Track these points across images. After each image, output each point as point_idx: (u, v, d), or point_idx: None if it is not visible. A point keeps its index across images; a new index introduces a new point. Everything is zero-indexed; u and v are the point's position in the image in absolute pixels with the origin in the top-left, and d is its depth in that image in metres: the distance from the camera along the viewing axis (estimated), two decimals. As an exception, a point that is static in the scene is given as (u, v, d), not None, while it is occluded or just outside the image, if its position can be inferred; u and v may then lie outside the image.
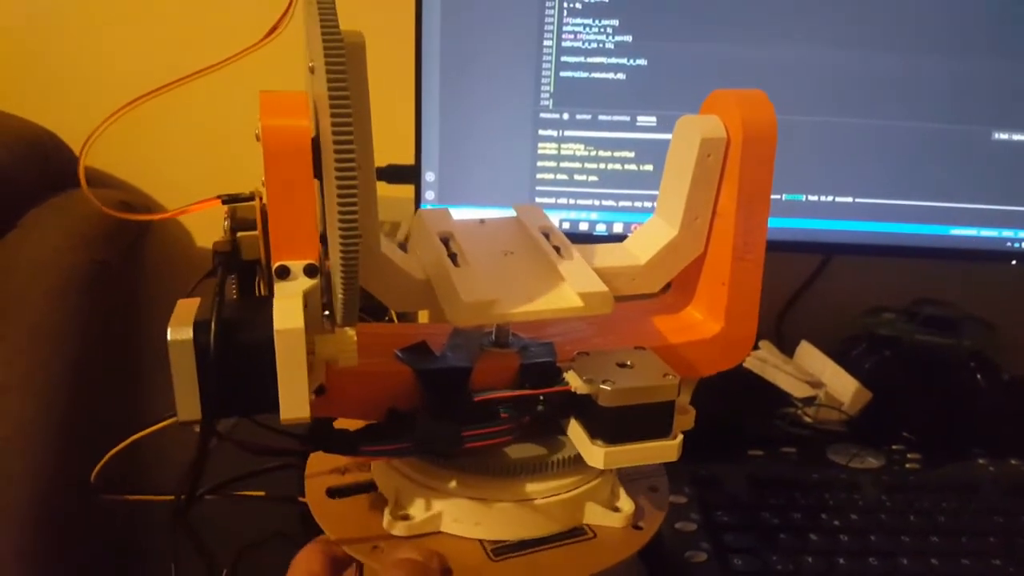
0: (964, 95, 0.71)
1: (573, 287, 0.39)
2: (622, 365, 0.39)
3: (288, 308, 0.33)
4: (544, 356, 0.40)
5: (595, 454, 0.37)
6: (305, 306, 0.34)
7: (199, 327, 0.33)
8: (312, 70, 0.36)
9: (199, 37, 0.90)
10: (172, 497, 0.54)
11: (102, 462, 0.45)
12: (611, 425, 0.37)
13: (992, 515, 0.60)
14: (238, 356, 0.33)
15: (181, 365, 0.33)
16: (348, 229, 0.32)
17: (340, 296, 0.34)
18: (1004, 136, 0.72)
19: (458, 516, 0.39)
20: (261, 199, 0.37)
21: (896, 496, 0.62)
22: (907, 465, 0.67)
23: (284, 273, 0.35)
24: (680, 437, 0.38)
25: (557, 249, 0.42)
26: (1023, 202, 0.74)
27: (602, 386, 0.36)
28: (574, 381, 0.38)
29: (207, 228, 0.96)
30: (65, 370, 0.78)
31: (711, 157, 0.42)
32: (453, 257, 0.40)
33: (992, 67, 0.70)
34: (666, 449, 0.38)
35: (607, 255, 0.44)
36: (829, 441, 0.70)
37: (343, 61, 0.31)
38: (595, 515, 0.40)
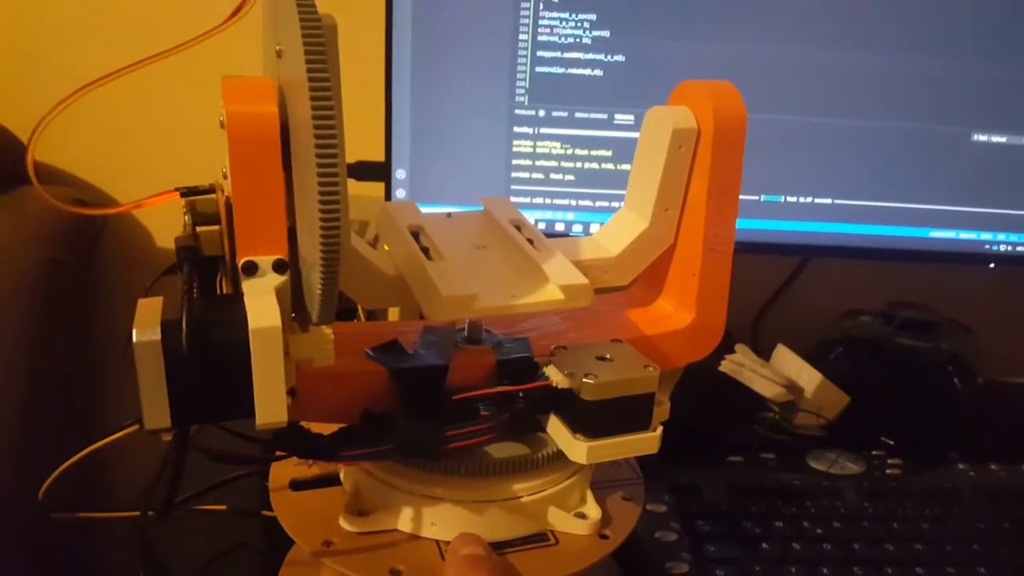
0: (944, 96, 0.71)
1: (553, 280, 0.38)
2: (601, 358, 0.38)
3: (263, 305, 0.31)
4: (520, 352, 0.40)
5: (578, 449, 0.36)
6: None
7: (168, 327, 0.31)
8: (279, 54, 0.34)
9: (155, 23, 0.86)
10: (136, 513, 0.51)
11: (51, 478, 0.42)
12: (593, 419, 0.36)
13: (975, 522, 0.59)
14: (211, 358, 0.31)
15: (148, 369, 0.31)
16: (329, 221, 0.30)
17: (318, 292, 0.32)
18: (984, 138, 0.72)
19: (414, 515, 0.38)
20: (222, 191, 0.35)
21: (878, 503, 0.61)
22: (888, 471, 0.66)
23: (252, 269, 0.33)
24: (660, 429, 0.38)
25: (531, 242, 0.41)
26: (1002, 204, 0.73)
27: (584, 380, 0.36)
28: (555, 376, 0.37)
29: (166, 226, 0.92)
30: (16, 376, 0.74)
31: (682, 148, 0.42)
32: (425, 251, 0.39)
33: (972, 68, 0.70)
34: (647, 441, 0.37)
35: (578, 248, 0.43)
36: (808, 447, 0.69)
37: (322, 43, 0.29)
38: (560, 521, 0.39)
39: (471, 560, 0.36)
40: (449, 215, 0.44)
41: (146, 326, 0.31)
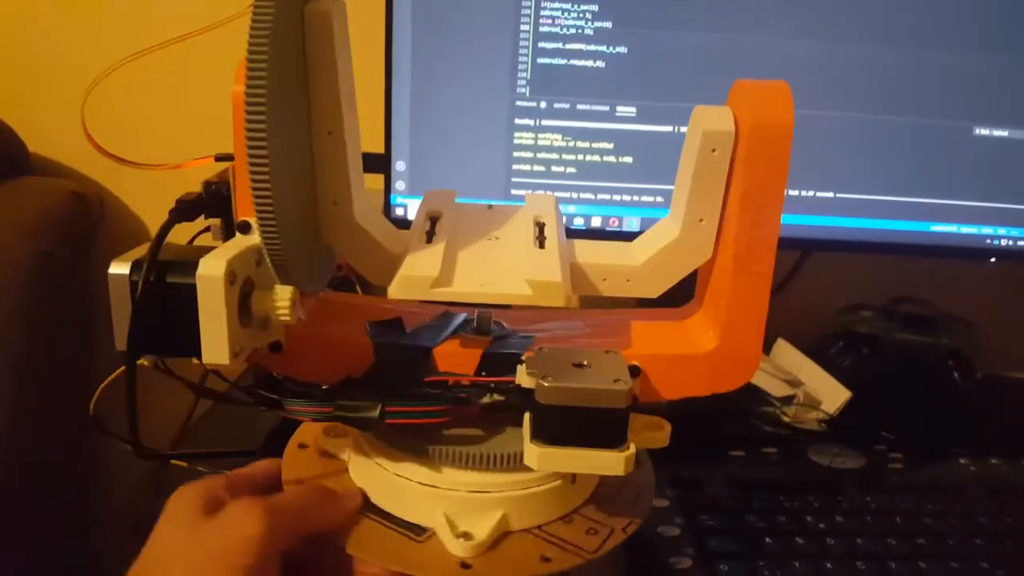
0: (946, 90, 0.70)
1: (527, 275, 0.36)
2: (578, 365, 0.36)
3: (215, 256, 0.35)
4: (514, 348, 0.39)
5: (529, 452, 0.35)
6: (258, 263, 0.36)
7: (136, 264, 0.38)
8: None
9: (148, 19, 0.85)
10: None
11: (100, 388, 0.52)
12: (551, 425, 0.35)
13: (977, 516, 0.59)
14: (166, 296, 0.37)
15: (118, 299, 0.38)
16: (260, 191, 0.33)
17: (266, 253, 0.35)
18: (986, 132, 0.71)
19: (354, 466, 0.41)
20: None
21: (880, 497, 0.61)
22: (889, 466, 0.66)
23: (245, 228, 0.37)
24: (631, 450, 0.35)
25: (541, 240, 0.41)
26: (1004, 199, 0.73)
27: (540, 381, 0.35)
28: (520, 374, 0.37)
29: (162, 218, 0.91)
30: (7, 370, 0.74)
31: (716, 152, 0.38)
32: (430, 235, 0.40)
33: (975, 62, 0.70)
34: (609, 460, 0.35)
35: (603, 252, 0.41)
36: (809, 441, 0.69)
37: (270, 14, 0.32)
38: (441, 531, 0.38)
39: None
40: (491, 207, 0.45)
41: (122, 261, 0.38)
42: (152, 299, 0.37)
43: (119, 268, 0.37)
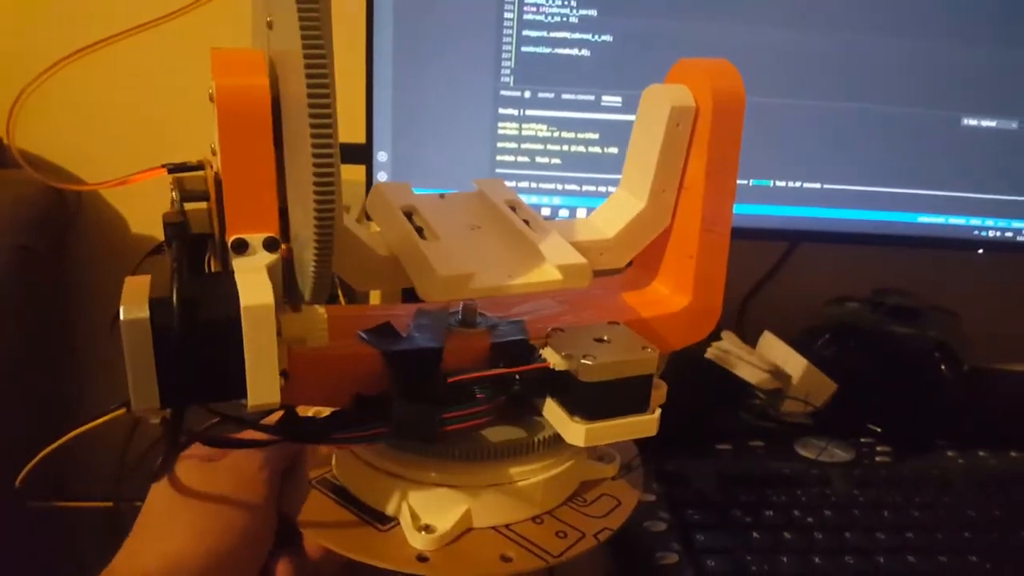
0: (934, 80, 0.70)
1: (551, 260, 0.37)
2: (600, 340, 0.37)
3: (255, 282, 0.30)
4: (515, 334, 0.39)
5: (575, 431, 0.36)
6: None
7: (157, 305, 0.30)
8: (270, 25, 0.33)
9: (84, 17, 0.83)
10: (110, 503, 0.50)
11: (30, 465, 0.40)
12: (591, 401, 0.36)
13: (965, 509, 0.59)
14: (201, 336, 0.30)
15: (136, 348, 0.30)
16: (324, 197, 0.28)
17: (312, 271, 0.31)
18: (973, 122, 0.71)
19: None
20: (211, 167, 0.34)
21: (868, 491, 0.60)
22: (877, 458, 0.65)
23: (242, 247, 0.32)
24: (658, 412, 0.37)
25: (526, 222, 0.40)
26: (992, 189, 0.73)
27: (583, 361, 0.35)
28: (552, 358, 0.37)
29: (141, 211, 0.90)
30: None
31: (680, 127, 0.41)
32: (419, 231, 0.38)
33: (962, 52, 0.69)
34: (645, 424, 0.37)
35: (574, 229, 0.42)
36: (796, 434, 0.68)
37: (317, 13, 0.28)
38: (404, 522, 0.38)
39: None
40: (442, 196, 0.43)
41: (134, 304, 0.30)
42: (187, 341, 0.30)
43: (134, 312, 0.30)
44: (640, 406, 0.37)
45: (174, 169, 0.35)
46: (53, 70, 0.37)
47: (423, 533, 0.36)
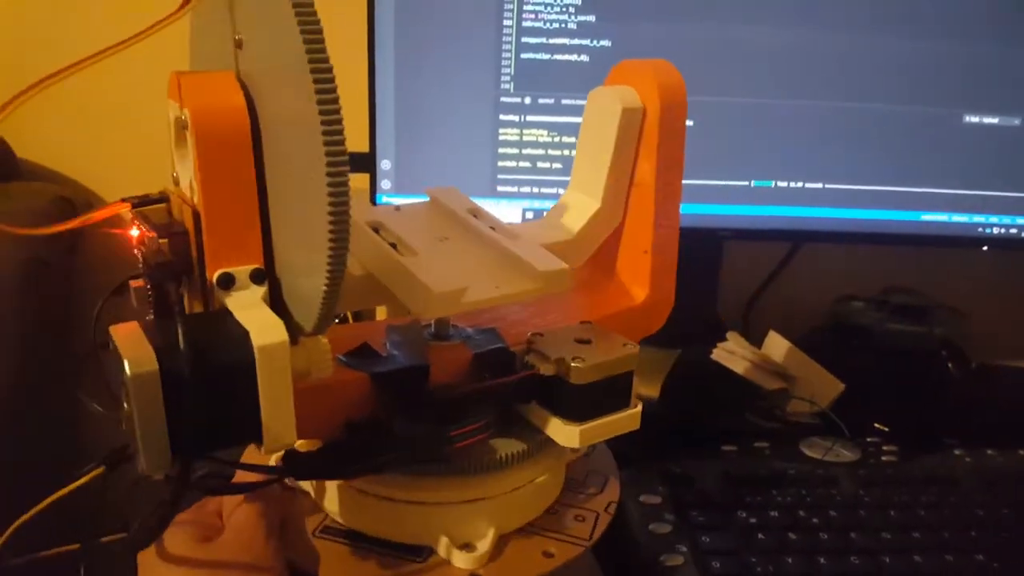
0: (935, 78, 0.70)
1: (533, 267, 0.37)
2: (581, 341, 0.38)
3: (263, 320, 0.29)
4: (493, 343, 0.39)
5: (568, 434, 0.36)
6: None
7: (164, 354, 0.27)
8: (239, 44, 0.32)
9: (129, 11, 0.84)
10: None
11: (7, 533, 0.38)
12: (582, 402, 0.36)
13: (972, 508, 0.59)
14: (215, 383, 0.28)
15: (146, 402, 0.27)
16: (339, 220, 0.27)
17: (320, 299, 0.29)
18: (975, 119, 0.71)
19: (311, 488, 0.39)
20: (176, 197, 0.33)
21: (874, 490, 0.60)
22: (883, 458, 0.65)
23: (228, 282, 0.30)
24: (640, 405, 0.38)
25: (492, 229, 0.41)
26: (995, 187, 0.73)
27: (573, 364, 0.36)
28: (540, 363, 0.37)
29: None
30: (2, 376, 0.73)
31: (630, 127, 0.42)
32: (393, 247, 0.37)
33: (964, 49, 0.69)
34: (630, 419, 0.38)
35: (538, 233, 0.43)
36: (802, 434, 0.68)
37: (317, 24, 0.27)
38: (443, 547, 0.37)
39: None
40: (398, 208, 0.43)
41: (138, 355, 0.27)
42: (197, 390, 0.28)
43: (140, 366, 0.27)
44: (623, 402, 0.38)
45: (137, 204, 0.34)
46: (58, 77, 0.36)
47: (465, 552, 0.36)
